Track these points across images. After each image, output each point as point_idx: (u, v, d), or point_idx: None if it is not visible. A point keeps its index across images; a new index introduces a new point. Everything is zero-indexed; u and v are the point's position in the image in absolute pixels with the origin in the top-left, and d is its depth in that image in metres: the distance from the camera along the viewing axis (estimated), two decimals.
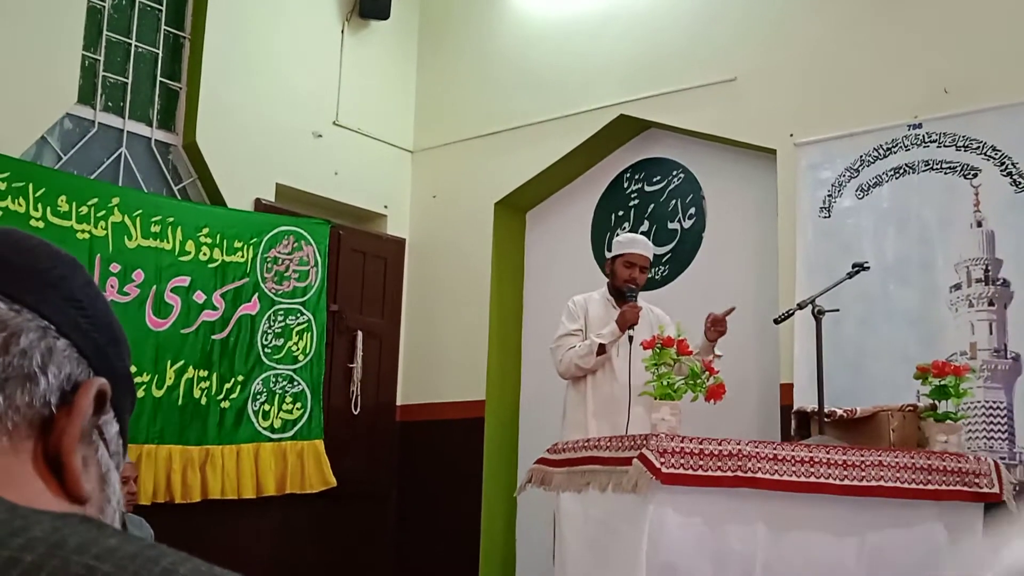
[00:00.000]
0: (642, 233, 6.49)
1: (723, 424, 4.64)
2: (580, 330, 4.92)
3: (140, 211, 5.58)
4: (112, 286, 5.41)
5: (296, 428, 6.10)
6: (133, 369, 5.24)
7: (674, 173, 6.49)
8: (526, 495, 4.52)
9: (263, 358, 6.01)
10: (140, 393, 5.45)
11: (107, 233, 5.43)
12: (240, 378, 5.90)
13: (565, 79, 6.76)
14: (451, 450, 6.77)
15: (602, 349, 4.80)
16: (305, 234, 6.30)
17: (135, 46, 6.07)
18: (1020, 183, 5.04)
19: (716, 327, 4.66)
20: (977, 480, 3.53)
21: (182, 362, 5.66)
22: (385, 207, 7.23)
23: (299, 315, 6.19)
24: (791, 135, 5.74)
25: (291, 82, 6.67)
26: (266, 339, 6.03)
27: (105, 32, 5.93)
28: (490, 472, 6.61)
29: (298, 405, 6.11)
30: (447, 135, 7.27)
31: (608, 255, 5.07)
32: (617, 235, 5.07)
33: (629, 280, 4.92)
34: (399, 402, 7.09)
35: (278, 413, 6.03)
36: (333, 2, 7.04)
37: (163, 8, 6.22)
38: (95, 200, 5.40)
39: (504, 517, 6.56)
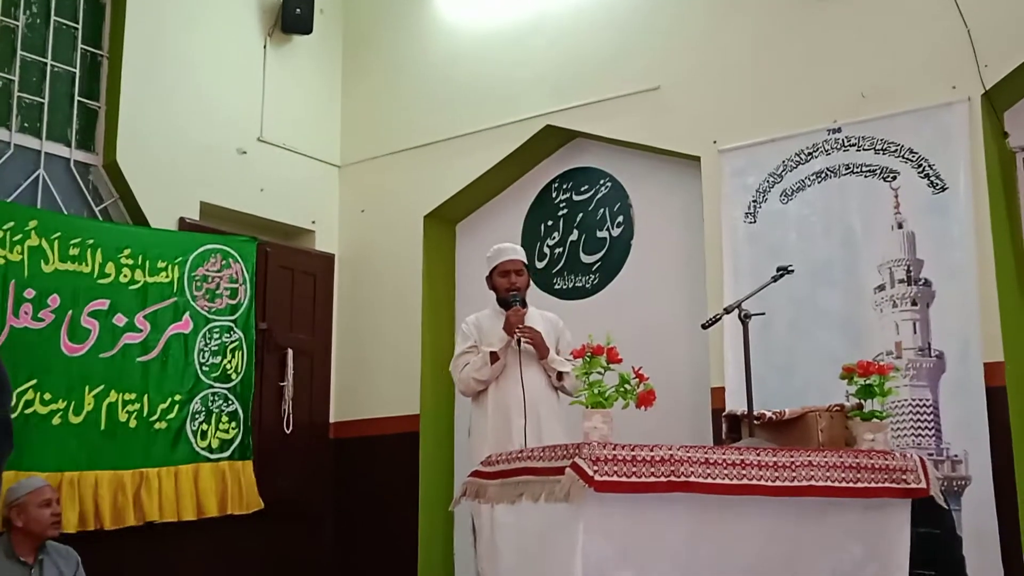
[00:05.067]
0: (571, 242, 6.53)
1: (657, 429, 4.65)
2: (474, 346, 5.07)
3: (59, 234, 5.46)
4: (26, 312, 5.28)
5: (232, 448, 6.01)
6: (47, 396, 5.14)
7: (601, 182, 6.52)
8: (463, 508, 4.50)
9: (201, 376, 5.92)
10: (55, 421, 5.33)
11: (23, 257, 5.30)
12: (177, 398, 5.80)
13: (491, 90, 6.77)
14: (387, 466, 6.72)
15: (495, 357, 4.92)
16: (232, 252, 6.22)
17: (51, 65, 5.94)
18: (937, 185, 5.15)
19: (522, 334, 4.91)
20: (904, 476, 3.57)
21: (102, 386, 5.53)
22: (313, 222, 7.17)
23: (231, 332, 6.11)
24: (715, 142, 5.81)
25: (214, 99, 6.59)
26: (203, 357, 5.95)
27: (19, 52, 5.80)
28: (426, 487, 6.57)
29: (233, 425, 6.02)
30: (374, 149, 7.23)
31: (486, 273, 5.20)
32: (487, 252, 5.20)
33: (510, 288, 5.07)
34: (332, 419, 7.02)
35: (215, 433, 5.94)
36: (255, 17, 6.97)
37: (79, 26, 6.10)
38: (11, 224, 5.27)
39: (441, 532, 6.52)
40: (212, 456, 5.90)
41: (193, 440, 5.83)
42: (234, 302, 6.16)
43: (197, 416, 5.87)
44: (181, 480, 5.74)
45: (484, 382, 4.98)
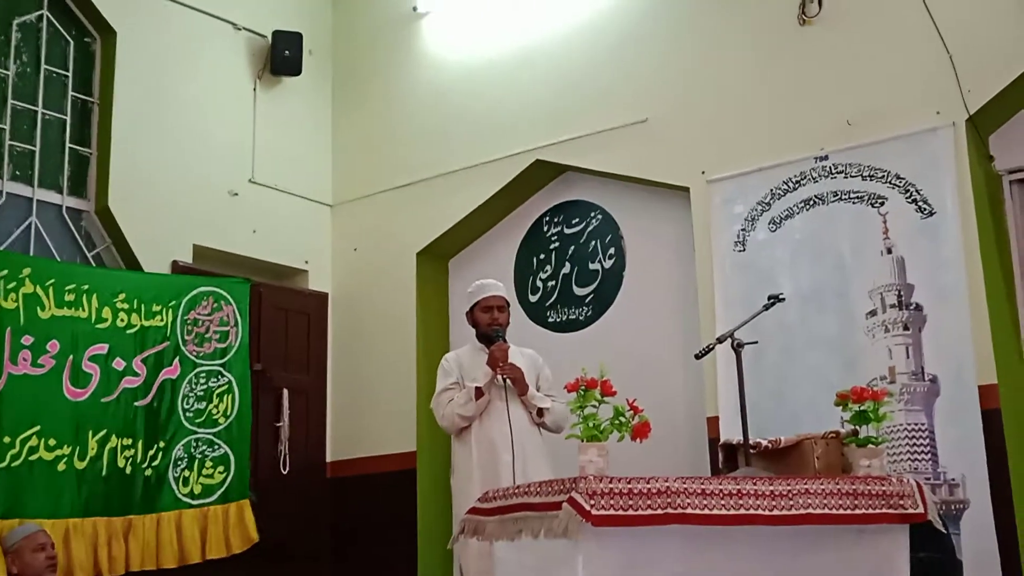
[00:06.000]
0: (564, 275, 6.56)
1: (653, 461, 4.65)
2: (456, 383, 5.08)
3: (53, 280, 5.46)
4: (25, 359, 5.28)
5: (219, 492, 5.95)
6: (52, 443, 5.13)
7: (592, 214, 6.56)
8: (462, 545, 4.49)
9: (184, 423, 5.88)
10: (61, 467, 5.31)
11: (18, 305, 5.30)
12: (162, 444, 5.77)
13: (481, 126, 6.81)
14: (384, 504, 6.69)
15: (480, 392, 4.91)
16: (224, 294, 6.21)
17: (42, 113, 5.98)
18: (925, 209, 5.18)
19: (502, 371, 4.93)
20: (902, 502, 3.57)
21: (104, 431, 5.52)
22: (306, 262, 7.18)
23: (220, 377, 6.08)
24: (703, 172, 5.84)
25: (204, 142, 6.63)
26: (187, 403, 5.92)
27: (10, 100, 5.84)
28: (424, 524, 6.55)
29: (220, 469, 5.97)
30: (366, 187, 7.26)
31: (466, 309, 5.24)
32: (469, 288, 5.23)
33: (491, 323, 5.10)
34: (329, 459, 7.00)
35: (198, 479, 5.88)
36: (244, 60, 7.02)
37: (70, 74, 6.15)
38: (5, 272, 5.27)
39: (440, 570, 6.48)
40: (194, 502, 5.84)
41: (175, 487, 5.78)
42: (223, 345, 6.12)
43: (180, 462, 5.81)
44: (162, 527, 5.68)
45: (469, 418, 4.97)
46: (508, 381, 4.95)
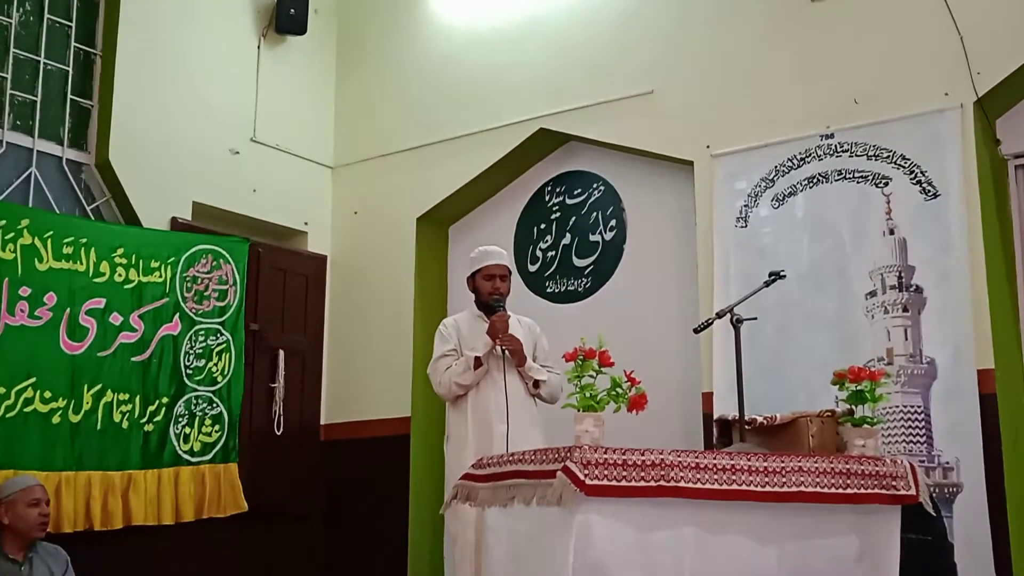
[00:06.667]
0: (564, 246, 6.54)
1: (648, 434, 4.65)
2: (454, 350, 5.05)
3: (51, 232, 5.44)
4: (22, 310, 5.27)
5: (214, 451, 5.98)
6: (47, 395, 5.15)
7: (595, 186, 6.53)
8: (452, 512, 4.50)
9: (186, 380, 5.90)
10: (56, 419, 5.31)
11: (16, 256, 5.28)
12: (164, 400, 5.78)
13: (485, 93, 6.77)
14: (377, 468, 6.71)
15: (479, 362, 4.89)
16: (223, 252, 6.20)
17: (44, 63, 5.93)
18: (929, 191, 5.16)
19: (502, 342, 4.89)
20: (894, 483, 3.58)
21: (100, 386, 5.52)
22: (305, 224, 7.16)
23: (219, 335, 6.09)
24: (707, 146, 5.82)
25: (207, 99, 6.58)
26: (188, 360, 5.93)
27: (12, 49, 5.78)
28: (416, 489, 6.57)
29: (216, 428, 6.00)
30: (367, 150, 7.23)
31: (468, 274, 5.19)
32: (472, 253, 5.18)
33: (493, 292, 5.05)
34: (323, 421, 7.01)
35: (198, 436, 5.92)
36: (249, 17, 6.96)
37: (73, 25, 6.09)
38: (3, 222, 5.25)
39: (431, 534, 6.51)
40: (193, 459, 5.87)
41: (176, 443, 5.81)
42: (222, 304, 6.14)
43: (181, 419, 5.85)
44: (163, 483, 5.72)
45: (466, 387, 4.95)
46: (506, 352, 4.93)
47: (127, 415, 5.62)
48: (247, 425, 6.27)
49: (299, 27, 7.02)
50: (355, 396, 6.94)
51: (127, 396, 5.63)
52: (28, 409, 5.22)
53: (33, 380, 5.26)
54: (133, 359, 5.69)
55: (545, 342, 5.18)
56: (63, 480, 5.28)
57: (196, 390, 5.94)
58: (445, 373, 4.99)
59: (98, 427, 5.49)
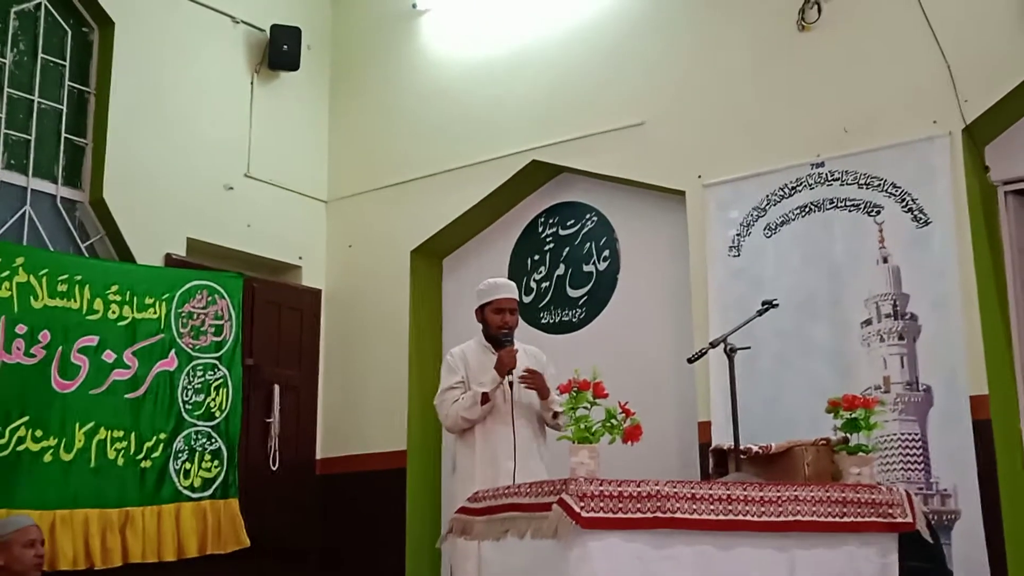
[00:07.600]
0: (558, 277, 6.55)
1: (644, 464, 4.65)
2: (462, 381, 4.95)
3: (46, 270, 5.45)
4: (18, 348, 5.28)
5: (214, 486, 5.96)
6: (39, 434, 5.12)
7: (587, 216, 6.55)
8: (452, 545, 4.48)
9: (184, 415, 5.89)
10: (47, 458, 5.30)
11: (12, 294, 5.29)
12: (162, 436, 5.77)
13: (477, 125, 6.81)
14: (373, 502, 6.68)
15: (486, 398, 4.83)
16: (218, 288, 6.20)
17: (38, 102, 5.96)
18: (921, 219, 5.18)
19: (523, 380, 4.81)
20: (891, 511, 3.58)
21: (92, 423, 5.50)
22: (300, 258, 7.17)
23: (216, 370, 6.08)
24: (699, 176, 5.84)
25: (200, 135, 6.61)
26: (186, 395, 5.92)
27: (6, 88, 5.81)
28: (413, 523, 6.54)
29: (216, 463, 5.98)
30: (361, 184, 7.25)
31: (477, 305, 5.11)
32: (480, 285, 5.13)
33: (502, 326, 4.96)
34: (319, 456, 6.99)
35: (198, 472, 5.90)
36: (242, 54, 7.00)
37: (67, 64, 6.12)
38: None
39: (428, 569, 6.48)
40: (194, 495, 5.86)
41: (176, 479, 5.79)
42: (219, 339, 6.14)
43: (180, 455, 5.84)
44: (163, 520, 5.70)
45: (472, 421, 4.89)
46: (515, 386, 4.83)
47: (122, 452, 5.60)
48: (243, 460, 6.25)
49: (292, 63, 7.06)
50: (351, 430, 6.92)
51: (121, 433, 5.62)
52: (21, 448, 5.21)
53: (26, 419, 5.25)
54: (127, 396, 5.68)
55: (553, 370, 5.08)
56: (58, 519, 5.26)
57: (195, 425, 5.94)
58: (452, 406, 4.91)
59: (91, 464, 5.47)
